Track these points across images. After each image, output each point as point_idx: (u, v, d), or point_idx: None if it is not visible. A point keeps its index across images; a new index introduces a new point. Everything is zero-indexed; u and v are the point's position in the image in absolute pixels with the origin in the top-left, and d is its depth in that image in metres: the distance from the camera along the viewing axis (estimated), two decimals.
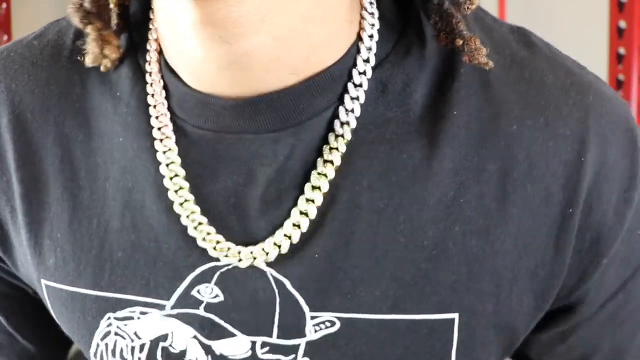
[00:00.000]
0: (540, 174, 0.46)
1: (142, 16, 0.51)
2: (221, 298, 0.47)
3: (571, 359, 0.52)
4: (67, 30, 0.53)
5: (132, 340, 0.49)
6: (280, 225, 0.46)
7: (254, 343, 0.47)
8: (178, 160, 0.48)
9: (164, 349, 0.49)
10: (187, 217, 0.47)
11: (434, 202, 0.45)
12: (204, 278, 0.47)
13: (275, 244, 0.46)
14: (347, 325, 0.46)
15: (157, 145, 0.48)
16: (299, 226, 0.46)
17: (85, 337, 0.51)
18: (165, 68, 0.48)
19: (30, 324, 0.60)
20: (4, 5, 1.94)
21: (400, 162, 0.46)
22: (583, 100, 0.47)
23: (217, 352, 0.48)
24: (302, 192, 0.46)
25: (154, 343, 0.49)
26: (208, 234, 0.47)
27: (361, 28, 0.47)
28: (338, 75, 0.46)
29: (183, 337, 0.48)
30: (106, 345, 0.50)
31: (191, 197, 0.47)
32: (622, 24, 1.55)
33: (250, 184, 0.46)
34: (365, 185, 0.46)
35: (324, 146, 0.46)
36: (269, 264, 0.46)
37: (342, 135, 0.46)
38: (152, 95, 0.48)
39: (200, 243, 0.47)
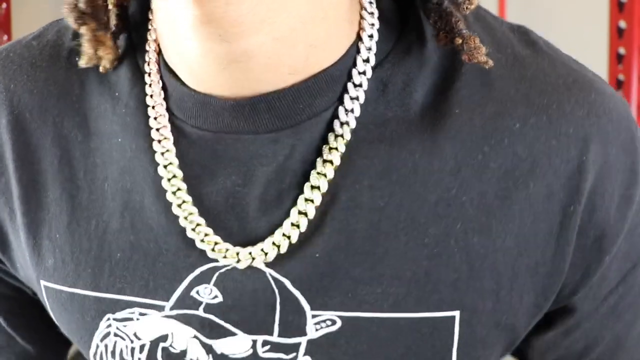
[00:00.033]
0: (543, 172, 0.46)
1: (141, 17, 0.51)
2: (220, 299, 0.47)
3: (573, 351, 0.52)
4: (66, 31, 0.53)
5: (132, 341, 0.49)
6: (280, 225, 0.46)
7: (254, 342, 0.47)
8: (176, 161, 0.47)
9: (164, 349, 0.49)
10: (186, 218, 0.47)
11: (435, 200, 0.45)
12: (203, 279, 0.47)
13: (274, 244, 0.46)
14: (348, 324, 0.46)
15: (156, 146, 0.48)
16: (298, 226, 0.46)
17: (84, 338, 0.51)
18: (165, 69, 0.48)
19: (30, 325, 0.60)
20: (4, 5, 1.94)
21: (400, 160, 0.45)
22: (585, 98, 0.47)
23: (218, 352, 0.47)
24: (301, 192, 0.46)
25: (154, 343, 0.49)
26: (206, 234, 0.46)
27: (361, 28, 0.47)
28: (338, 76, 0.46)
29: (183, 337, 0.48)
30: (106, 346, 0.50)
31: (189, 198, 0.47)
32: (622, 24, 1.55)
33: (249, 184, 0.46)
34: (365, 184, 0.46)
35: (324, 146, 0.46)
36: (268, 264, 0.46)
37: (342, 135, 0.46)
38: (151, 95, 0.48)
39: (198, 244, 0.46)
